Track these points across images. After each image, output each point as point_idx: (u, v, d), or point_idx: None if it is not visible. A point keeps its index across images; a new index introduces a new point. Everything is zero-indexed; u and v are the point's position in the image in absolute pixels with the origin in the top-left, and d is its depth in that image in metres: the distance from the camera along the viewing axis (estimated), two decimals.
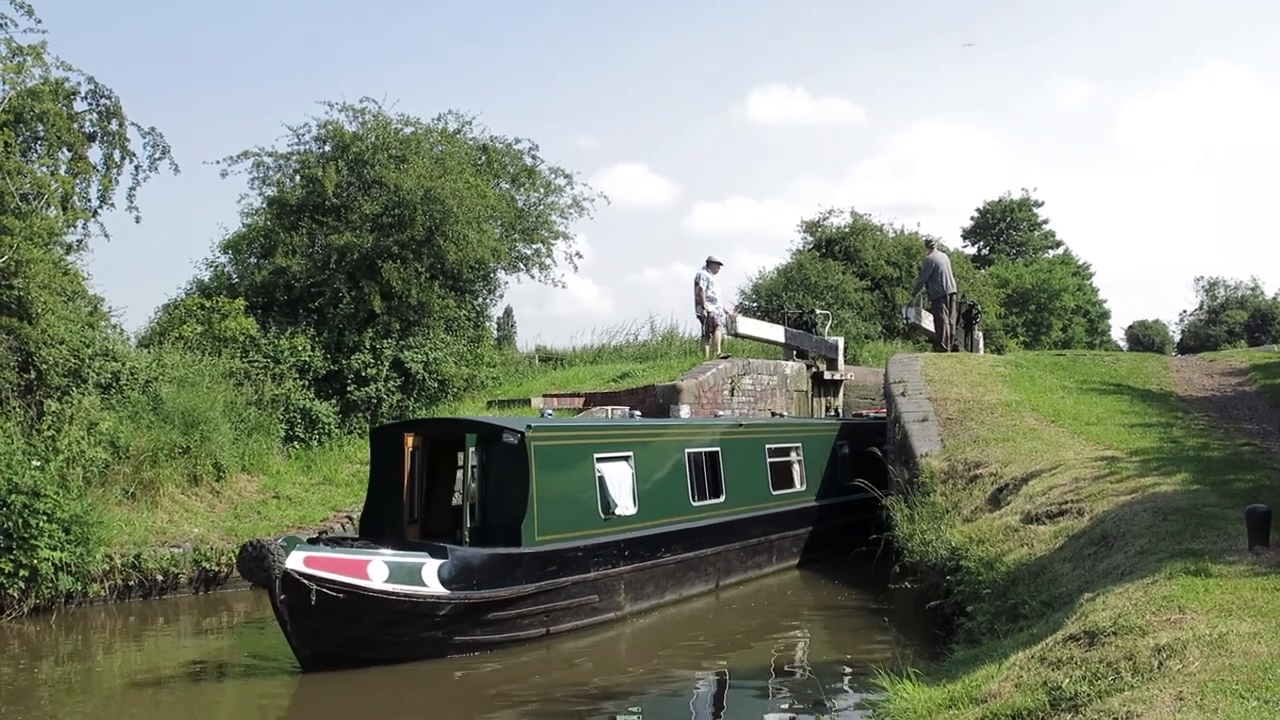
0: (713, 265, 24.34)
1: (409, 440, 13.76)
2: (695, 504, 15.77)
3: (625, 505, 14.25)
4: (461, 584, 11.89)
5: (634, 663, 12.54)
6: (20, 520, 14.00)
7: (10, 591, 14.10)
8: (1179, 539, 8.92)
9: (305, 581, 10.88)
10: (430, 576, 11.72)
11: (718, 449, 16.62)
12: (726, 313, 24.90)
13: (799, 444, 19.04)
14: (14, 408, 16.20)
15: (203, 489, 18.44)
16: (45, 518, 14.22)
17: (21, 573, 14.03)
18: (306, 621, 11.05)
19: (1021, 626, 8.84)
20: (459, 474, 14.49)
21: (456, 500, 14.58)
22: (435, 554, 11.95)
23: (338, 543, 12.38)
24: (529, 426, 13.09)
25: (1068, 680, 6.14)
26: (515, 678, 11.69)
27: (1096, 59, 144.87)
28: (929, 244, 26.63)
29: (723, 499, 16.41)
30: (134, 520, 16.43)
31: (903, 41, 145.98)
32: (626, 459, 14.60)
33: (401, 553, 11.91)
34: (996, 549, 11.36)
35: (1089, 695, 5.86)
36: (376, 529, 13.68)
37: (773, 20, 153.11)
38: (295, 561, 10.95)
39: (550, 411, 16.11)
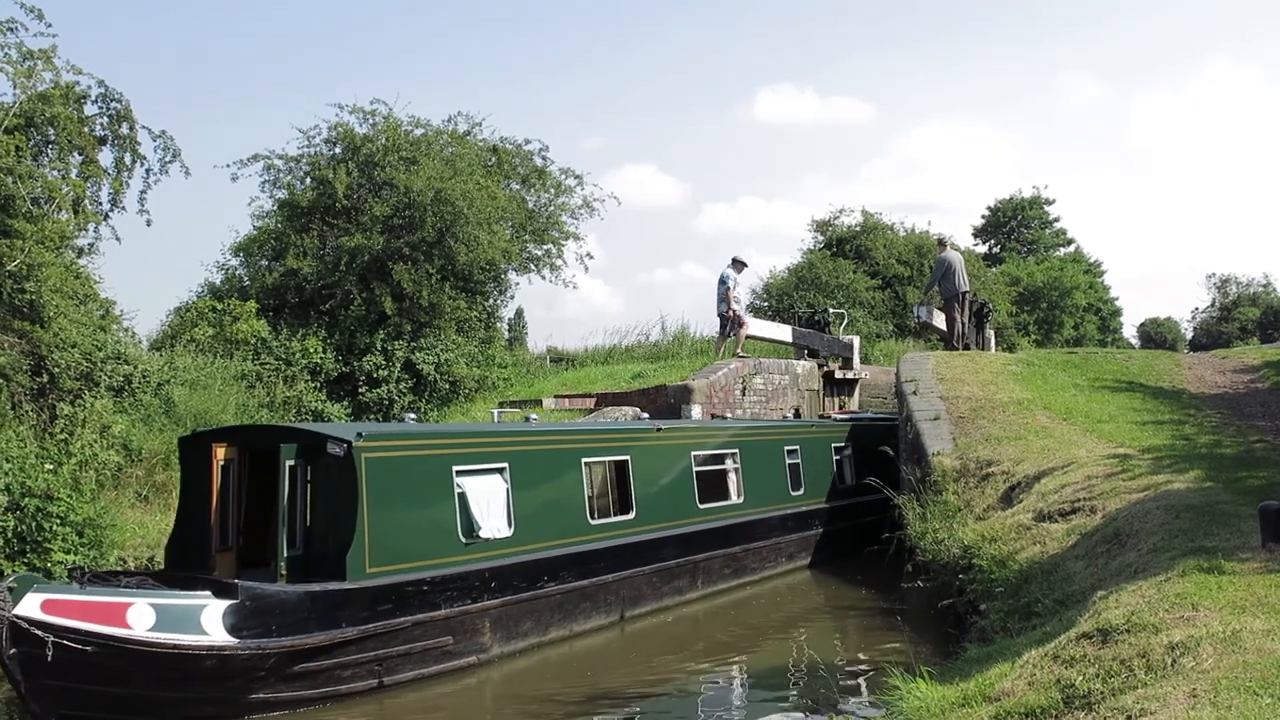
0: (738, 265, 24.31)
1: (219, 452, 11.89)
2: (594, 522, 13.83)
3: (495, 527, 12.30)
4: (255, 630, 9.95)
5: (502, 713, 10.92)
6: (34, 523, 14.04)
7: None
8: (1192, 536, 8.89)
9: (39, 632, 8.93)
10: (212, 622, 9.78)
11: (626, 458, 14.69)
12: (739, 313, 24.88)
13: (735, 450, 17.07)
14: (27, 411, 16.26)
15: None
16: (59, 521, 14.25)
17: None
18: (45, 681, 9.08)
19: (1034, 624, 8.83)
20: (295, 494, 11.93)
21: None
22: (222, 593, 10.01)
23: (104, 579, 10.52)
24: (360, 435, 11.19)
25: (1081, 678, 6.13)
26: None
27: (1106, 57, 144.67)
28: (941, 242, 26.56)
29: (632, 515, 14.45)
30: (147, 523, 16.46)
31: (911, 40, 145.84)
32: (499, 472, 12.62)
33: (176, 593, 10.04)
34: (1009, 547, 11.34)
35: (1102, 693, 5.85)
36: (181, 559, 11.90)
37: (781, 19, 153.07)
38: (28, 607, 9.02)
39: (412, 416, 14.65)
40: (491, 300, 28.85)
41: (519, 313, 58.26)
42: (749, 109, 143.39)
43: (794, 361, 25.56)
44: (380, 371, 23.75)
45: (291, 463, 11.34)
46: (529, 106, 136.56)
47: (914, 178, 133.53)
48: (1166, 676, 5.77)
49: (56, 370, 16.64)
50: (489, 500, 12.34)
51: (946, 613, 12.05)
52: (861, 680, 11.60)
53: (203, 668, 9.71)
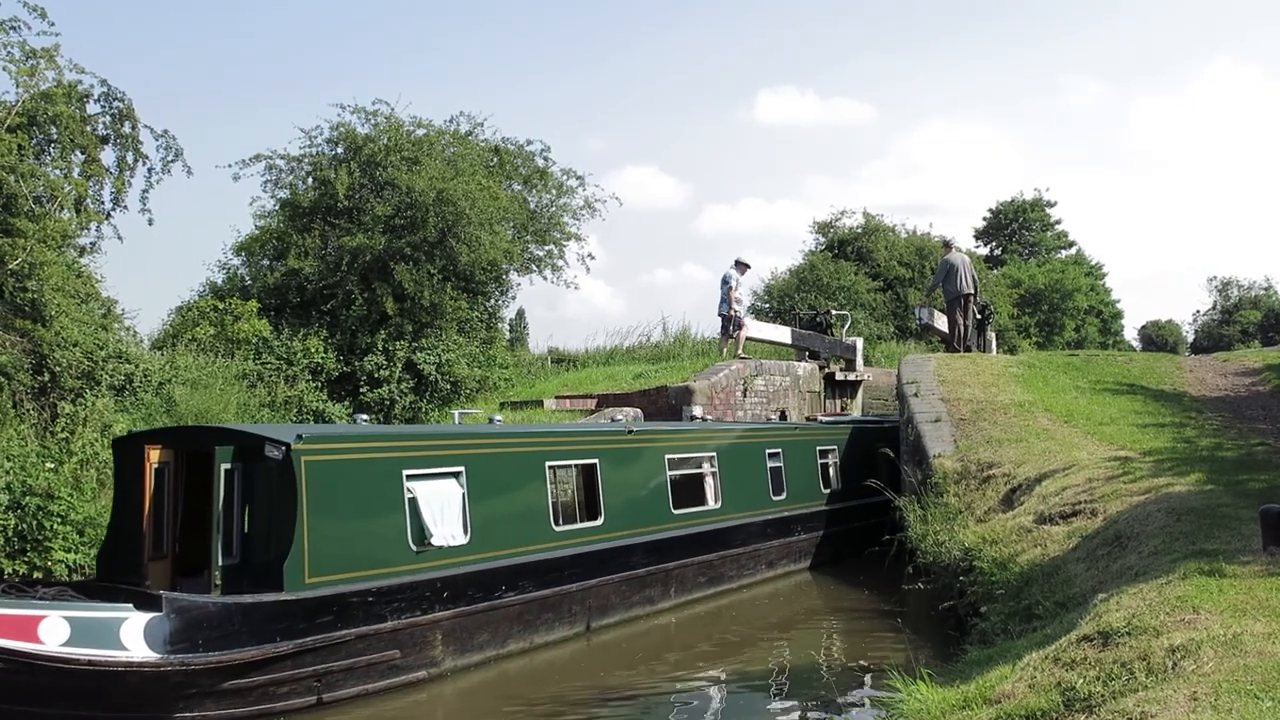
0: (741, 266, 24.45)
1: (152, 455, 11.24)
2: (560, 529, 13.24)
3: (449, 534, 11.70)
4: (181, 645, 9.34)
5: None
6: (34, 522, 14.05)
7: None
8: (1193, 539, 8.88)
9: None
10: (132, 636, 9.16)
11: (595, 461, 14.16)
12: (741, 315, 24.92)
13: (712, 453, 16.48)
14: (28, 410, 16.26)
15: None
16: (59, 520, 14.26)
17: (36, 575, 14.06)
18: None
19: (1035, 627, 8.82)
20: (231, 499, 11.28)
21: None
22: (145, 605, 9.39)
23: (21, 590, 10.07)
24: (299, 436, 10.54)
25: (1082, 681, 6.12)
26: None
27: (1107, 59, 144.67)
28: (946, 245, 26.53)
29: (600, 522, 13.89)
30: None
31: (912, 42, 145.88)
32: (455, 476, 12.03)
33: (95, 605, 9.46)
34: (1010, 549, 11.34)
35: (1103, 696, 5.84)
36: (112, 569, 11.31)
37: (782, 21, 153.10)
38: None
39: (364, 418, 13.91)
40: (493, 301, 28.85)
41: (520, 313, 58.26)
42: (750, 110, 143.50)
43: (795, 363, 25.57)
44: (382, 371, 23.75)
45: (227, 466, 10.83)
46: (531, 107, 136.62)
47: (915, 179, 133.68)
48: (1167, 679, 5.76)
49: (58, 369, 16.64)
50: (443, 506, 11.74)
51: (947, 615, 12.05)
52: (861, 681, 11.59)
53: (122, 685, 9.14)
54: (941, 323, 25.47)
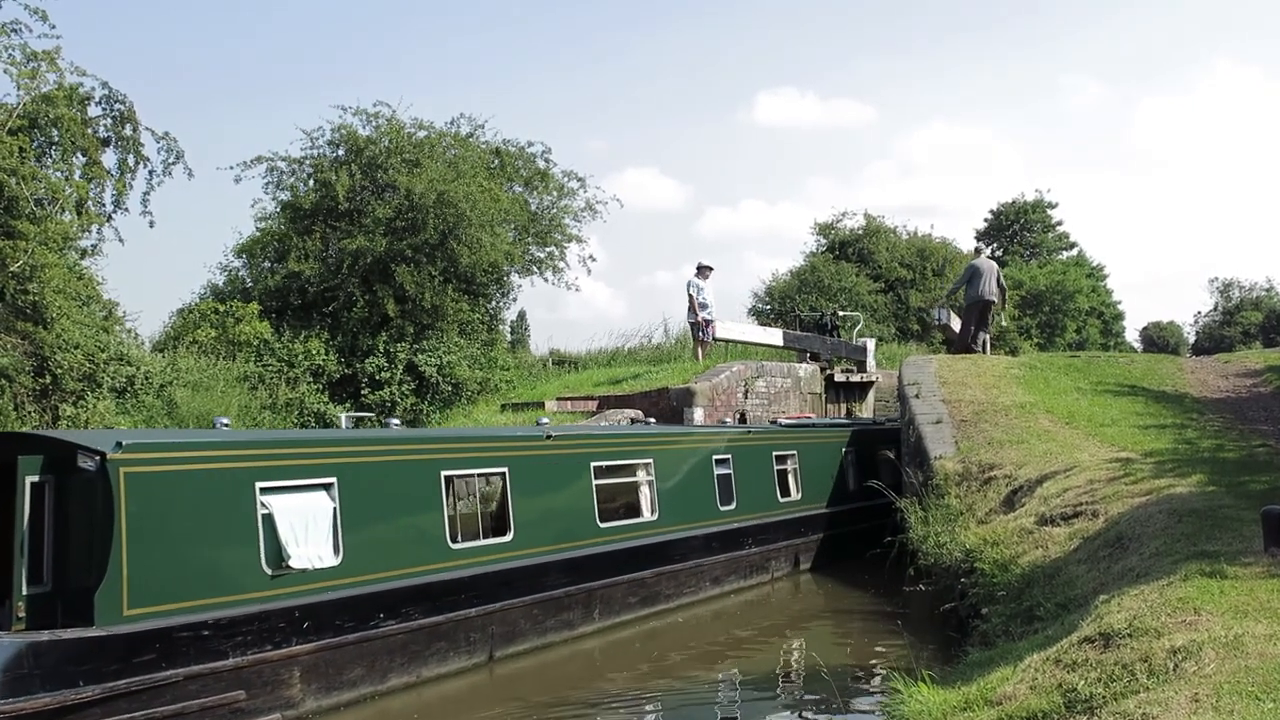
0: (703, 271, 24.04)
1: None
2: (457, 547, 11.83)
3: (315, 555, 10.24)
4: None
5: None
6: None
7: None
8: (1194, 541, 8.88)
9: None
10: None
11: (503, 470, 12.77)
12: (710, 319, 24.63)
13: (648, 460, 15.05)
14: (30, 412, 16.28)
15: None
16: None
17: None
18: None
19: (1036, 629, 8.82)
20: (40, 516, 9.54)
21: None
22: None
23: None
24: (119, 444, 9.11)
25: (1083, 682, 6.12)
26: None
27: (1107, 59, 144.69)
28: (978, 251, 26.62)
29: (509, 538, 12.50)
30: None
31: (912, 43, 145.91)
32: (325, 488, 10.56)
33: None
34: (1011, 551, 11.33)
35: (1104, 697, 5.85)
36: None
37: (783, 22, 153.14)
38: None
39: (224, 422, 11.77)
40: (494, 302, 28.95)
41: (521, 315, 58.26)
42: (750, 112, 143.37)
43: (797, 365, 25.56)
44: (383, 373, 23.80)
45: (35, 479, 9.26)
46: (531, 109, 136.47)
47: (916, 180, 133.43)
48: (1169, 681, 5.76)
49: (59, 371, 16.67)
50: (307, 523, 10.31)
51: (948, 617, 12.05)
52: (862, 683, 11.58)
53: None
54: (959, 324, 25.58)
